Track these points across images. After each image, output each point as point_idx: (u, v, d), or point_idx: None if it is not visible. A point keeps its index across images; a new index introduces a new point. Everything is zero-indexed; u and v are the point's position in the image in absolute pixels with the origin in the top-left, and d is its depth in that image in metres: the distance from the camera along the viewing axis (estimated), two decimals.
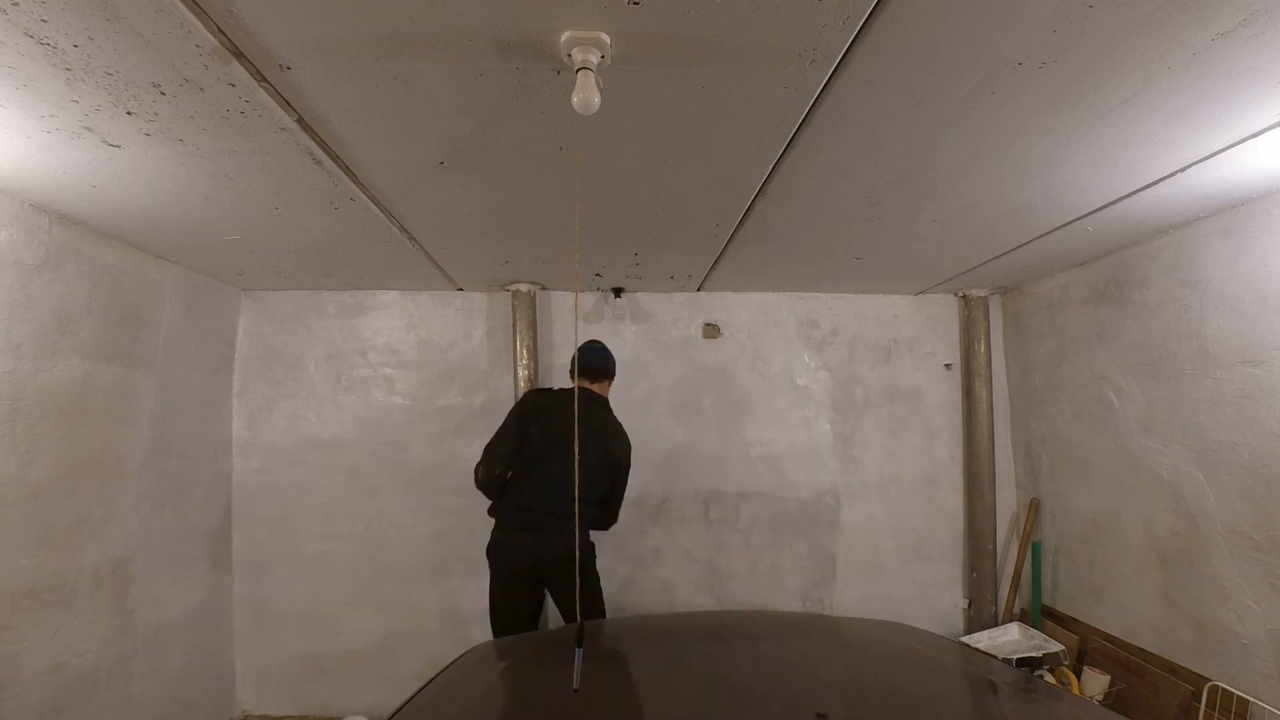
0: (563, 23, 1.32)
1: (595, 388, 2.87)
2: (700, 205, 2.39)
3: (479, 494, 3.65)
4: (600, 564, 3.69)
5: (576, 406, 1.73)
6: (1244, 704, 2.38)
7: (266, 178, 2.07)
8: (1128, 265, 2.96)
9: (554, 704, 1.42)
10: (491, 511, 2.78)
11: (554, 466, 2.61)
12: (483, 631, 3.58)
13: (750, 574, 3.78)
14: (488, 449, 2.73)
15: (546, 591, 2.79)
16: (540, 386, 2.86)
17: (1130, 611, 3.01)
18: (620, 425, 2.89)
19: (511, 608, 2.72)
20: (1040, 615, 3.55)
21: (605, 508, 2.85)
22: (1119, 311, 3.03)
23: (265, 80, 1.52)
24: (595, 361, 2.86)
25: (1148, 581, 2.90)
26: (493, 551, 2.74)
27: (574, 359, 2.75)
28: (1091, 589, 3.28)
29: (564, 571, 2.61)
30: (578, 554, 2.03)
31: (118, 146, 1.83)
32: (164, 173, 2.02)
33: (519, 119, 1.72)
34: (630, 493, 3.75)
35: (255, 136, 1.79)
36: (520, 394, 3.59)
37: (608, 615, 2.82)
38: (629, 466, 2.87)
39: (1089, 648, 3.20)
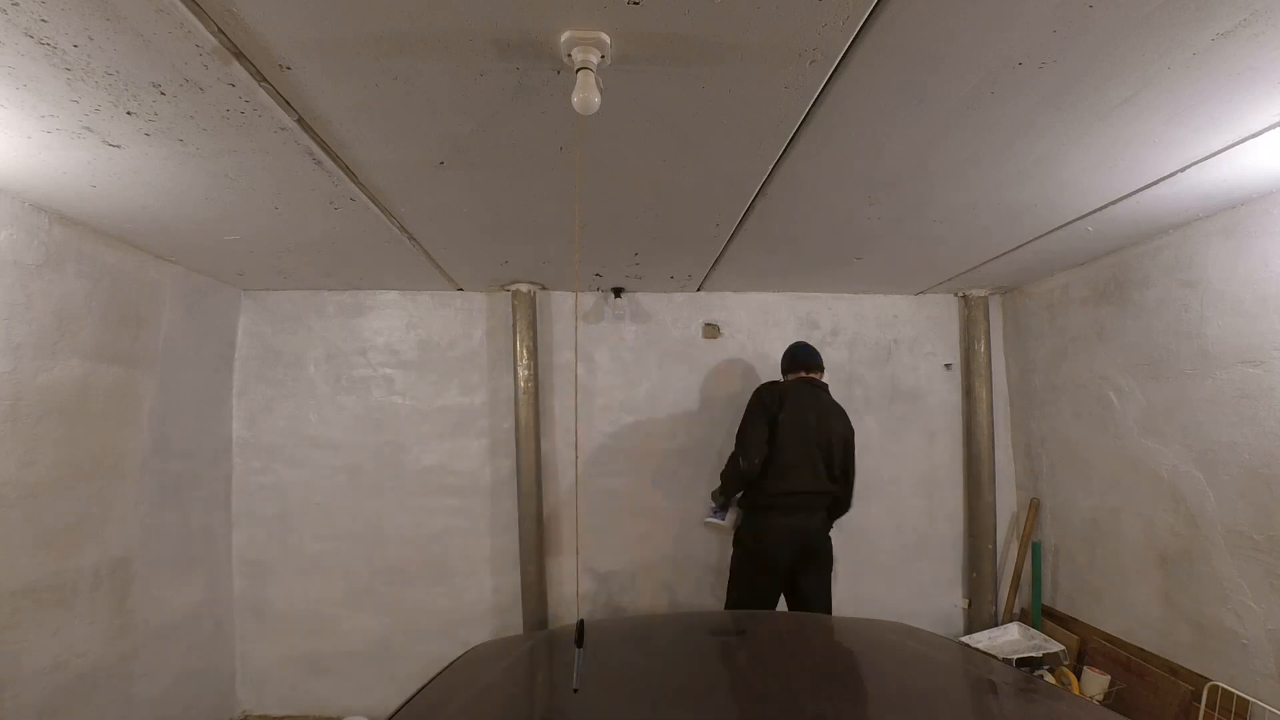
0: (563, 23, 1.32)
1: (813, 376, 3.13)
2: (700, 205, 2.39)
3: (478, 494, 3.68)
4: (600, 564, 3.71)
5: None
6: (1244, 704, 2.38)
7: (266, 178, 2.07)
8: (1128, 265, 2.96)
9: (554, 704, 1.42)
10: (743, 501, 3.04)
11: (803, 451, 2.91)
12: (482, 631, 3.59)
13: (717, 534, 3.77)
14: (743, 439, 2.97)
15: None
16: (769, 382, 3.14)
17: (1130, 611, 3.01)
18: (841, 408, 3.14)
19: (764, 593, 2.89)
20: (1040, 615, 3.55)
21: (845, 487, 3.11)
22: (1119, 311, 3.03)
23: (265, 80, 1.52)
24: (809, 354, 3.17)
25: (1148, 581, 2.90)
26: (754, 538, 2.94)
27: (787, 356, 3.19)
28: (1091, 589, 3.28)
29: (816, 553, 2.95)
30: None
31: (118, 146, 1.83)
32: (164, 173, 2.02)
33: (519, 119, 1.72)
34: (631, 494, 3.77)
35: (255, 136, 1.79)
36: (520, 394, 3.59)
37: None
38: (854, 445, 3.13)
39: (1089, 648, 3.20)
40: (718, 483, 3.78)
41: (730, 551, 3.10)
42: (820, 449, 2.95)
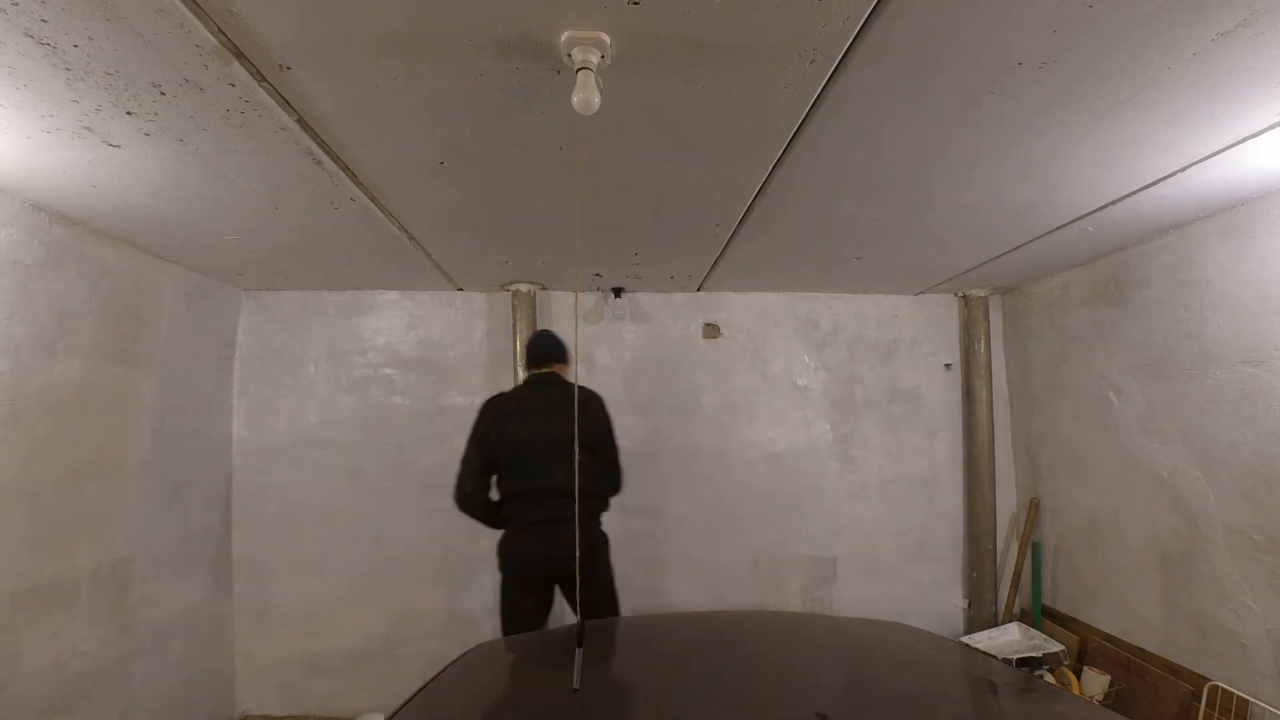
0: (563, 23, 1.32)
1: (549, 370, 2.79)
2: (700, 205, 2.39)
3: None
4: None
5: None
6: (1244, 704, 2.38)
7: (266, 178, 2.07)
8: (1128, 265, 2.96)
9: (554, 704, 1.42)
10: (494, 522, 2.70)
11: (534, 464, 2.57)
12: (482, 631, 3.59)
13: (750, 574, 3.78)
14: (460, 470, 2.65)
15: (557, 592, 2.73)
16: (530, 377, 2.82)
17: (1130, 611, 3.01)
18: (587, 392, 2.79)
19: (522, 611, 2.63)
20: (1040, 615, 3.55)
21: (603, 477, 2.74)
22: (1119, 311, 3.03)
23: (265, 80, 1.52)
24: (543, 348, 2.82)
25: (1148, 581, 2.90)
26: (503, 554, 2.65)
27: (525, 351, 2.84)
28: (1091, 589, 3.28)
29: (572, 567, 2.46)
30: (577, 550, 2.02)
31: (118, 146, 1.83)
32: (164, 173, 2.02)
33: (519, 119, 1.72)
34: (630, 493, 3.76)
35: (255, 136, 1.79)
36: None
37: (619, 610, 2.81)
38: (606, 425, 2.73)
39: (1089, 648, 3.20)
40: (711, 480, 3.79)
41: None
42: (547, 451, 2.56)
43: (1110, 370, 3.09)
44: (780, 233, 2.74)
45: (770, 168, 2.04)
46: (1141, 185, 2.21)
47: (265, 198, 2.24)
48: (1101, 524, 3.19)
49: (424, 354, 3.72)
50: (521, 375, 2.98)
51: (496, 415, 2.70)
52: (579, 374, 3.77)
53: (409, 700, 1.46)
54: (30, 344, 2.27)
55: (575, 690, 1.28)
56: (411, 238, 2.74)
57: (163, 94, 1.56)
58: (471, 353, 3.74)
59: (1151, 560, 2.87)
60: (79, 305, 2.48)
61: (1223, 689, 2.46)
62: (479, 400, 3.70)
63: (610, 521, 3.70)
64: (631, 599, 3.71)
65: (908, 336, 3.94)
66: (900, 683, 1.55)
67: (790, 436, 3.85)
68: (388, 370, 3.70)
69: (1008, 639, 3.47)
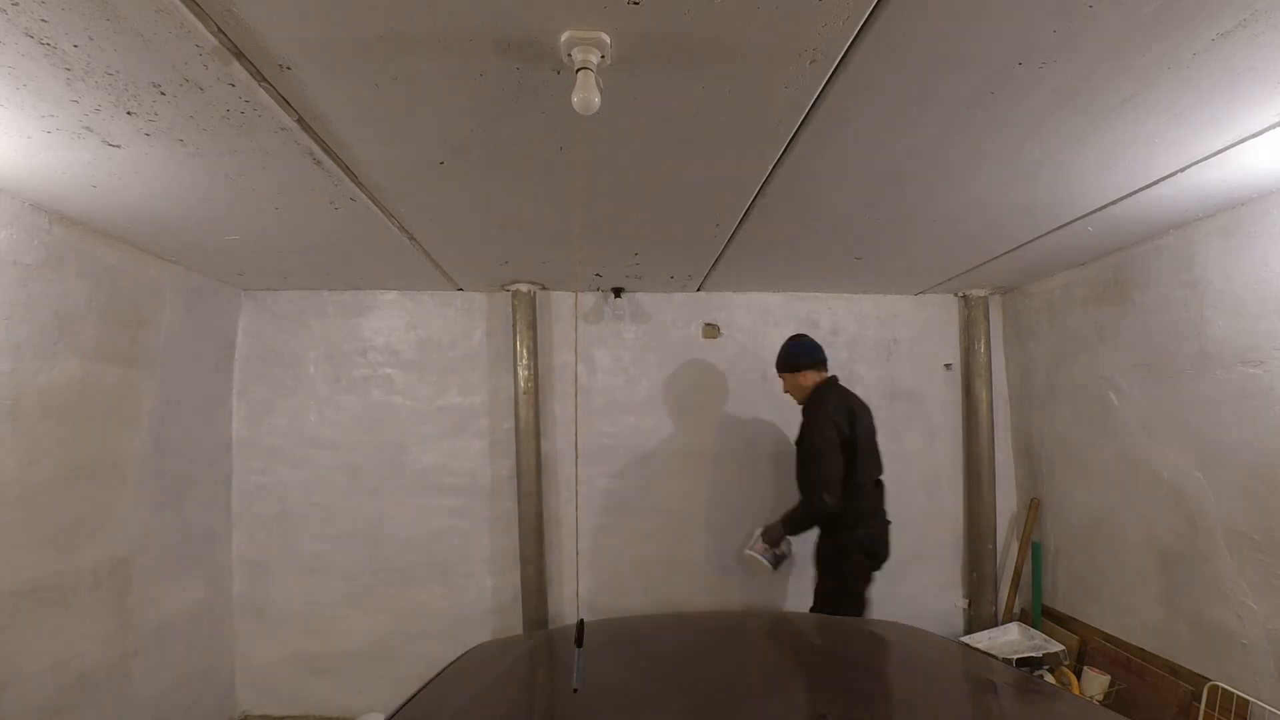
0: (563, 23, 1.32)
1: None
2: (700, 205, 2.39)
3: (478, 494, 3.68)
4: (602, 564, 3.70)
5: None
6: (1244, 704, 2.38)
7: (267, 178, 2.07)
8: (1128, 265, 2.96)
9: (554, 704, 1.42)
10: (846, 519, 2.83)
11: (876, 457, 2.94)
12: (482, 632, 3.59)
13: (751, 574, 3.78)
14: (823, 471, 2.77)
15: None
16: (829, 379, 3.04)
17: (1130, 611, 3.01)
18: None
19: (864, 605, 2.94)
20: (1040, 615, 3.55)
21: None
22: (1119, 311, 3.03)
23: (265, 80, 1.52)
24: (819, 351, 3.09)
25: (1148, 581, 2.90)
26: (863, 546, 2.87)
27: (813, 350, 3.06)
28: (1091, 589, 3.28)
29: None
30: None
31: (118, 146, 1.83)
32: (164, 173, 2.02)
33: (519, 119, 1.72)
34: (632, 494, 3.77)
35: (255, 136, 1.79)
36: (520, 394, 3.58)
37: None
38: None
39: (1089, 648, 3.20)
40: (711, 481, 3.78)
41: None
42: (877, 454, 2.96)
43: (1110, 370, 3.09)
44: (780, 233, 2.74)
45: (770, 167, 2.04)
46: (1141, 185, 2.21)
47: (265, 198, 2.24)
48: (1101, 524, 3.19)
49: (424, 354, 3.72)
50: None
51: (848, 410, 2.86)
52: (578, 374, 3.78)
53: (409, 700, 1.46)
54: (30, 344, 2.27)
55: (575, 690, 1.29)
56: (411, 238, 2.74)
57: (163, 94, 1.56)
58: (471, 353, 3.73)
59: (1151, 560, 2.87)
60: (79, 305, 2.47)
61: (1223, 689, 2.46)
62: (479, 400, 3.74)
63: (611, 522, 3.72)
64: (633, 599, 3.72)
65: (908, 336, 3.93)
66: (900, 683, 1.55)
67: (791, 436, 3.84)
68: (388, 370, 3.70)
69: (1008, 639, 3.47)
